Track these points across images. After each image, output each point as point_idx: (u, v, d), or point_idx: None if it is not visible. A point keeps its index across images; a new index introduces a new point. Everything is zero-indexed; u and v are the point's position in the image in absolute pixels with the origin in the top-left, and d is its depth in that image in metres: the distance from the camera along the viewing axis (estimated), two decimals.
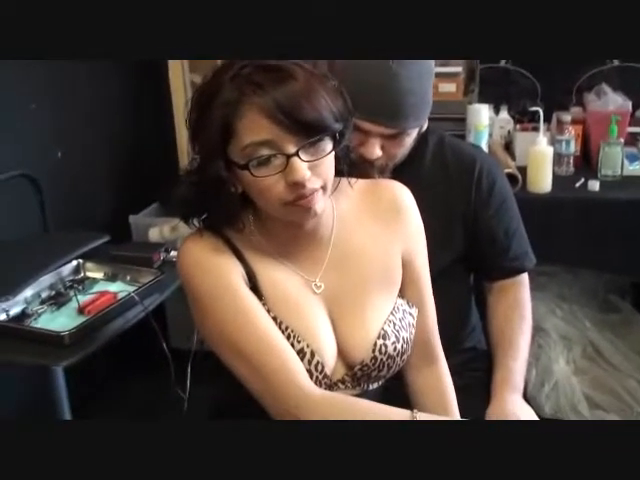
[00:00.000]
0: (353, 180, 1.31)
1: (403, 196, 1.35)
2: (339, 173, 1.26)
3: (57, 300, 1.92)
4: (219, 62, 1.22)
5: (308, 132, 1.13)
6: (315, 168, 1.15)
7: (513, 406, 1.56)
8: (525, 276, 1.77)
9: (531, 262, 1.77)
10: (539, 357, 2.48)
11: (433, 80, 1.66)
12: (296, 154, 1.12)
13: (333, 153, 1.18)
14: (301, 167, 1.13)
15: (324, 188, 1.17)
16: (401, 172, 1.63)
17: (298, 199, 1.15)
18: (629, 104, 2.74)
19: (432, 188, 1.66)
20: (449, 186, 1.69)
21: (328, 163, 1.17)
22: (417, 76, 1.58)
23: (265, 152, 1.13)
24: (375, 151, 1.59)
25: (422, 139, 1.69)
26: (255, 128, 1.12)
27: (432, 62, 1.64)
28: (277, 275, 1.26)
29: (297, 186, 1.13)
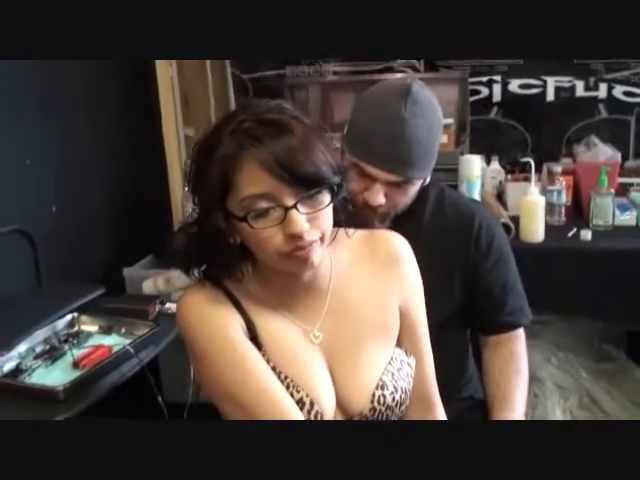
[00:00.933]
0: (351, 231, 1.33)
1: (400, 246, 1.36)
2: (337, 224, 1.27)
3: (51, 354, 1.91)
4: (213, 117, 1.24)
5: (306, 185, 1.14)
6: (313, 220, 1.16)
7: None
8: (521, 331, 1.78)
9: (527, 318, 1.78)
10: (535, 406, 2.47)
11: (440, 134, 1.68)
12: (294, 207, 1.14)
13: (331, 208, 1.20)
14: (299, 219, 1.14)
15: (322, 239, 1.18)
16: (401, 223, 1.65)
17: (296, 250, 1.16)
18: (618, 155, 2.80)
19: (431, 240, 1.68)
20: (448, 240, 1.70)
21: (326, 215, 1.19)
22: (427, 127, 1.61)
23: (263, 204, 1.14)
24: (379, 198, 1.61)
25: (423, 191, 1.70)
26: (253, 181, 1.14)
27: (441, 115, 1.67)
28: (276, 325, 1.27)
29: (295, 238, 1.14)
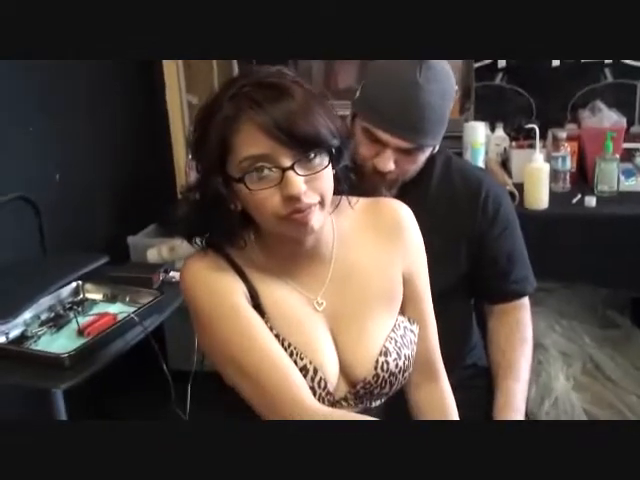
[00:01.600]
0: (354, 200, 1.32)
1: (403, 214, 1.36)
2: (340, 192, 1.27)
3: (57, 322, 1.92)
4: (216, 84, 1.24)
5: (304, 146, 1.14)
6: (311, 183, 1.16)
7: None
8: (526, 299, 1.78)
9: (532, 286, 1.78)
10: (539, 373, 2.48)
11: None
12: (291, 168, 1.13)
13: (331, 170, 1.19)
14: (296, 181, 1.13)
15: (321, 204, 1.18)
16: (408, 190, 1.65)
17: (294, 213, 1.15)
18: (624, 120, 2.77)
19: (438, 208, 1.67)
20: (455, 208, 1.70)
21: (325, 179, 1.18)
22: (440, 94, 1.59)
23: (261, 166, 1.14)
24: (389, 164, 1.60)
25: (430, 159, 1.69)
26: (251, 142, 1.14)
27: (454, 82, 1.65)
28: (279, 293, 1.27)
29: (293, 200, 1.14)
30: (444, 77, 1.61)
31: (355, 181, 1.49)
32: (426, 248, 1.39)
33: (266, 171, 1.14)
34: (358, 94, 1.65)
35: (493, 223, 1.70)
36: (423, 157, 1.65)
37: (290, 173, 1.13)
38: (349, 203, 1.31)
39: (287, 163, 1.13)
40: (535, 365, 2.46)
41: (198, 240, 1.26)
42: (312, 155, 1.15)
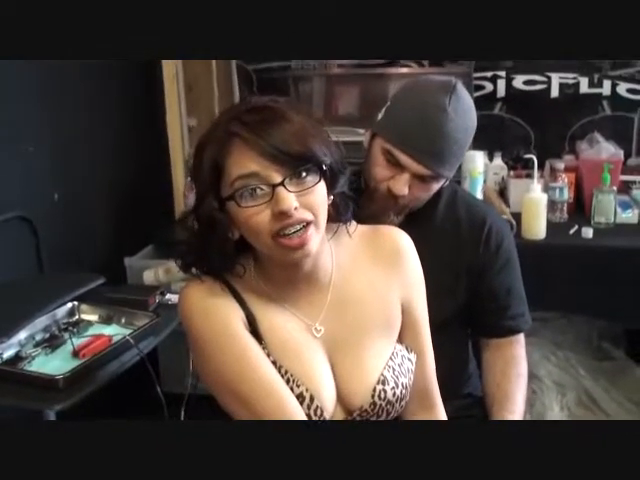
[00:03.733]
0: (352, 227, 1.32)
1: (403, 242, 1.36)
2: (338, 219, 1.27)
3: (51, 343, 1.90)
4: (216, 107, 1.25)
5: (294, 163, 1.15)
6: (303, 199, 1.15)
7: None
8: (521, 335, 1.78)
9: (527, 324, 1.78)
10: (533, 403, 2.47)
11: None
12: (281, 184, 1.14)
13: (324, 189, 1.19)
14: (287, 197, 1.13)
15: (315, 224, 1.17)
16: (413, 219, 1.65)
17: (285, 228, 1.15)
18: (621, 153, 2.78)
19: (441, 239, 1.68)
20: (459, 239, 1.70)
21: (318, 198, 1.18)
22: (465, 127, 1.60)
23: (252, 184, 1.15)
24: (404, 188, 1.60)
25: (438, 190, 1.69)
26: (241, 162, 1.15)
27: (475, 118, 1.66)
28: (277, 319, 1.26)
29: (283, 216, 1.14)
30: (470, 112, 1.63)
31: (364, 203, 1.49)
32: (426, 278, 1.39)
33: (257, 189, 1.15)
34: (382, 115, 1.65)
35: (495, 257, 1.71)
36: (436, 187, 1.65)
37: (280, 189, 1.14)
38: (347, 231, 1.31)
39: (277, 179, 1.14)
40: (529, 395, 2.45)
41: (194, 270, 1.26)
42: (303, 172, 1.16)
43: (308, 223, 1.16)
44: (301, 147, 1.15)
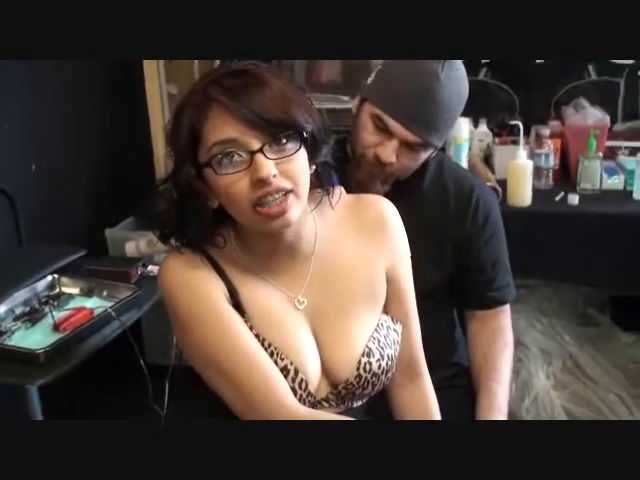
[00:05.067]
0: (335, 198, 1.29)
1: (388, 212, 1.34)
2: (321, 187, 1.25)
3: (32, 316, 1.89)
4: (197, 74, 1.22)
5: (274, 129, 1.12)
6: (282, 167, 1.13)
7: None
8: (507, 305, 1.78)
9: (512, 295, 1.78)
10: (519, 371, 2.48)
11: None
12: (260, 150, 1.11)
13: (305, 157, 1.17)
14: (266, 164, 1.11)
15: (295, 193, 1.14)
16: (399, 189, 1.62)
17: (264, 197, 1.12)
18: (607, 118, 2.76)
19: (428, 210, 1.66)
20: (445, 211, 1.68)
21: (298, 166, 1.15)
22: (457, 96, 1.58)
23: (230, 150, 1.12)
24: (392, 155, 1.57)
25: (425, 160, 1.67)
26: (219, 127, 1.12)
27: (467, 87, 1.63)
28: (259, 291, 1.25)
29: (262, 183, 1.11)
30: (462, 81, 1.60)
31: (350, 171, 1.46)
32: (413, 248, 1.37)
33: (235, 156, 1.12)
34: (371, 80, 1.62)
35: (482, 229, 1.70)
36: (424, 156, 1.63)
37: (259, 156, 1.11)
38: (330, 202, 1.28)
39: (256, 146, 1.11)
40: (515, 363, 2.44)
41: (173, 241, 1.23)
42: (283, 138, 1.13)
43: (288, 192, 1.13)
44: (281, 113, 1.12)
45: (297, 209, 1.16)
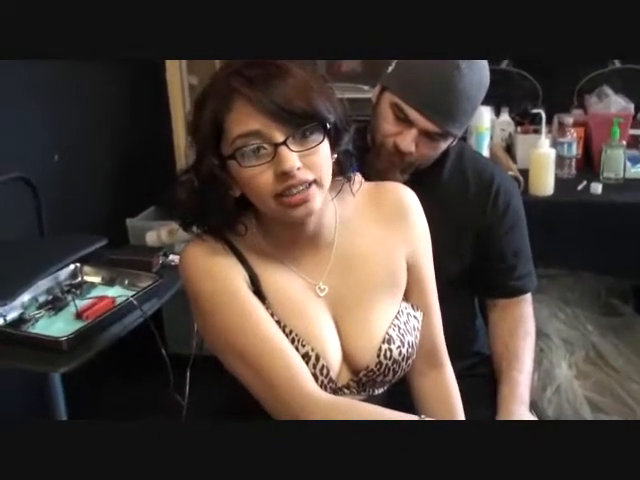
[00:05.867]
0: (356, 185, 1.29)
1: (408, 199, 1.34)
2: (342, 175, 1.26)
3: (54, 305, 1.90)
4: (217, 64, 1.22)
5: (297, 121, 1.12)
6: (306, 159, 1.13)
7: (520, 419, 1.56)
8: (529, 294, 1.78)
9: (533, 284, 1.78)
10: (541, 361, 2.47)
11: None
12: (284, 143, 1.12)
13: (328, 148, 1.17)
14: (289, 157, 1.11)
15: (318, 183, 1.15)
16: (420, 178, 1.62)
17: (288, 189, 1.13)
18: (631, 106, 2.75)
19: (448, 198, 1.66)
20: (465, 199, 1.68)
21: (321, 157, 1.16)
22: (477, 84, 1.58)
23: (253, 143, 1.12)
24: (411, 144, 1.57)
25: (445, 149, 1.66)
26: (243, 119, 1.12)
27: (488, 76, 1.62)
28: (280, 278, 1.25)
29: (285, 176, 1.12)
30: (483, 70, 1.59)
31: (370, 160, 1.46)
32: (433, 237, 1.37)
33: (259, 148, 1.13)
34: (391, 69, 1.62)
35: (503, 218, 1.69)
36: (444, 145, 1.63)
37: (282, 148, 1.12)
38: (351, 189, 1.29)
39: (280, 138, 1.12)
40: (537, 353, 2.45)
41: (195, 228, 1.24)
42: (306, 130, 1.13)
43: (311, 182, 1.14)
44: (304, 104, 1.12)
45: (319, 198, 1.17)
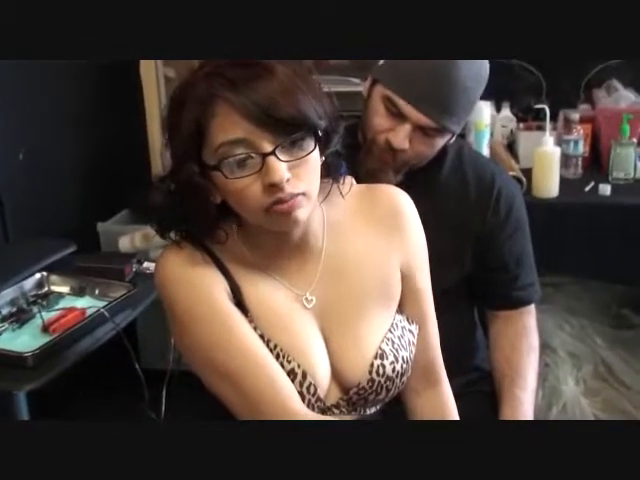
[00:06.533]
0: (346, 188, 1.29)
1: (402, 202, 1.34)
2: (330, 178, 1.25)
3: (19, 317, 1.90)
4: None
5: (286, 129, 1.12)
6: (296, 170, 1.13)
7: None
8: (532, 305, 1.78)
9: (537, 294, 1.78)
10: (546, 377, 2.47)
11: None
12: (272, 153, 1.11)
13: (318, 156, 1.17)
14: (279, 167, 1.11)
15: (306, 194, 1.15)
16: (415, 179, 1.62)
17: (277, 203, 1.13)
18: None
19: (446, 202, 1.66)
20: (465, 202, 1.68)
21: (311, 166, 1.16)
22: (475, 77, 1.58)
23: (239, 152, 1.12)
24: (404, 141, 1.57)
25: (442, 147, 1.66)
26: (228, 126, 1.12)
27: (487, 68, 1.62)
28: (264, 289, 1.25)
29: (274, 189, 1.12)
30: (481, 61, 1.60)
31: (361, 158, 1.46)
32: (429, 243, 1.37)
33: (245, 158, 1.12)
34: (383, 60, 1.62)
35: (504, 223, 1.70)
36: (440, 143, 1.63)
37: (271, 159, 1.11)
38: (340, 192, 1.29)
39: (268, 148, 1.11)
40: (542, 368, 2.44)
41: (172, 235, 1.24)
42: (296, 139, 1.13)
43: (298, 194, 1.14)
44: (292, 109, 1.12)
45: (306, 209, 1.17)
